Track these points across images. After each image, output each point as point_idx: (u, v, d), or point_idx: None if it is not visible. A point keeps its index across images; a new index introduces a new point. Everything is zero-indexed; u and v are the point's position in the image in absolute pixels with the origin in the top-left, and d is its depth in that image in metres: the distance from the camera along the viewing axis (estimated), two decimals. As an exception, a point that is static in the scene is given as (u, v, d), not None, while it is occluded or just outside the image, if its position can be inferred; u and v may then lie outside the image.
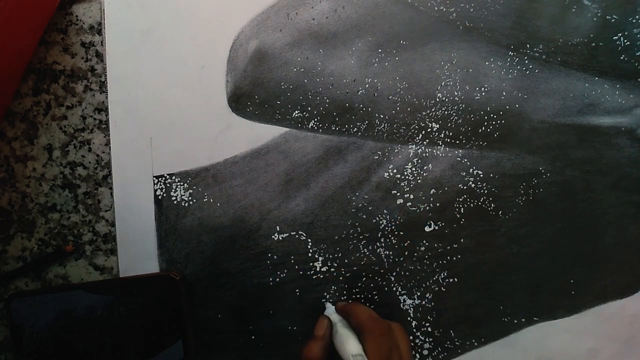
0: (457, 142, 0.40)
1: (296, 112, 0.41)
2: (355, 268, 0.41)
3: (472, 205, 0.41)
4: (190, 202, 0.41)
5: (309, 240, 0.41)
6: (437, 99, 0.40)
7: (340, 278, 0.41)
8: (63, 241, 0.42)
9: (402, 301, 0.41)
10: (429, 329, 0.41)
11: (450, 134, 0.40)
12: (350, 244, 0.41)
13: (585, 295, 0.41)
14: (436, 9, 0.40)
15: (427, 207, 0.41)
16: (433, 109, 0.40)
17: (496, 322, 0.41)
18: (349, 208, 0.41)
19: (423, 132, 0.41)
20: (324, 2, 0.40)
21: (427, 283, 0.41)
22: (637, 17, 0.39)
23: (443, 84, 0.40)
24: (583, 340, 0.41)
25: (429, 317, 0.41)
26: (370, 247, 0.41)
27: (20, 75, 0.41)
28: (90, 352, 0.39)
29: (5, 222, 0.42)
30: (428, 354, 0.41)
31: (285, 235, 0.41)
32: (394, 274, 0.41)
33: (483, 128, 0.40)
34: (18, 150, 0.42)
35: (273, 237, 0.41)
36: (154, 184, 0.41)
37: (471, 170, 0.40)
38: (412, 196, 0.41)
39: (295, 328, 0.41)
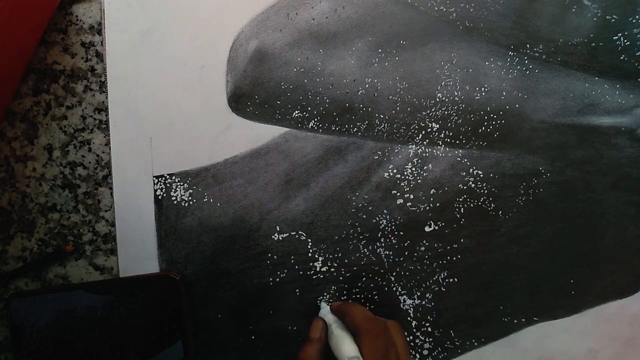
0: (457, 142, 0.40)
1: (296, 112, 0.41)
2: (355, 268, 0.41)
3: (472, 205, 0.41)
4: (190, 202, 0.41)
5: (309, 240, 0.41)
6: (437, 99, 0.40)
7: (340, 278, 0.41)
8: (63, 241, 0.42)
9: (402, 301, 0.41)
10: (429, 329, 0.41)
11: (450, 134, 0.40)
12: (350, 244, 0.41)
13: (585, 295, 0.41)
14: (436, 9, 0.40)
15: (427, 207, 0.41)
16: (433, 109, 0.40)
17: (496, 322, 0.41)
18: (349, 208, 0.41)
19: (423, 132, 0.40)
20: (324, 2, 0.40)
21: (427, 283, 0.41)
22: (637, 17, 0.39)
23: (443, 84, 0.40)
24: (583, 340, 0.41)
25: (429, 317, 0.41)
26: (370, 247, 0.41)
27: (20, 75, 0.41)
28: (90, 352, 0.39)
29: (5, 222, 0.42)
30: (428, 354, 0.41)
31: (285, 235, 0.41)
32: (394, 274, 0.41)
33: (483, 128, 0.40)
34: (18, 150, 0.42)
35: (273, 237, 0.41)
36: (154, 184, 0.41)
37: (471, 170, 0.40)
38: (412, 196, 0.41)
39: (295, 328, 0.41)
